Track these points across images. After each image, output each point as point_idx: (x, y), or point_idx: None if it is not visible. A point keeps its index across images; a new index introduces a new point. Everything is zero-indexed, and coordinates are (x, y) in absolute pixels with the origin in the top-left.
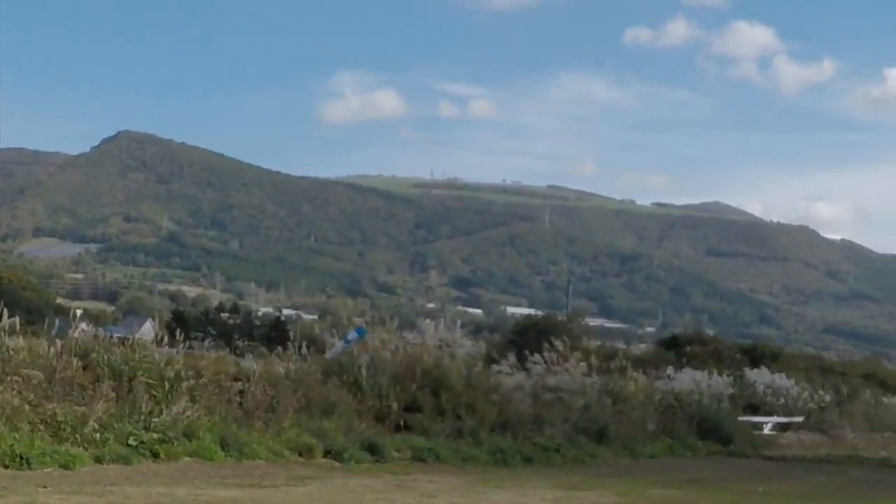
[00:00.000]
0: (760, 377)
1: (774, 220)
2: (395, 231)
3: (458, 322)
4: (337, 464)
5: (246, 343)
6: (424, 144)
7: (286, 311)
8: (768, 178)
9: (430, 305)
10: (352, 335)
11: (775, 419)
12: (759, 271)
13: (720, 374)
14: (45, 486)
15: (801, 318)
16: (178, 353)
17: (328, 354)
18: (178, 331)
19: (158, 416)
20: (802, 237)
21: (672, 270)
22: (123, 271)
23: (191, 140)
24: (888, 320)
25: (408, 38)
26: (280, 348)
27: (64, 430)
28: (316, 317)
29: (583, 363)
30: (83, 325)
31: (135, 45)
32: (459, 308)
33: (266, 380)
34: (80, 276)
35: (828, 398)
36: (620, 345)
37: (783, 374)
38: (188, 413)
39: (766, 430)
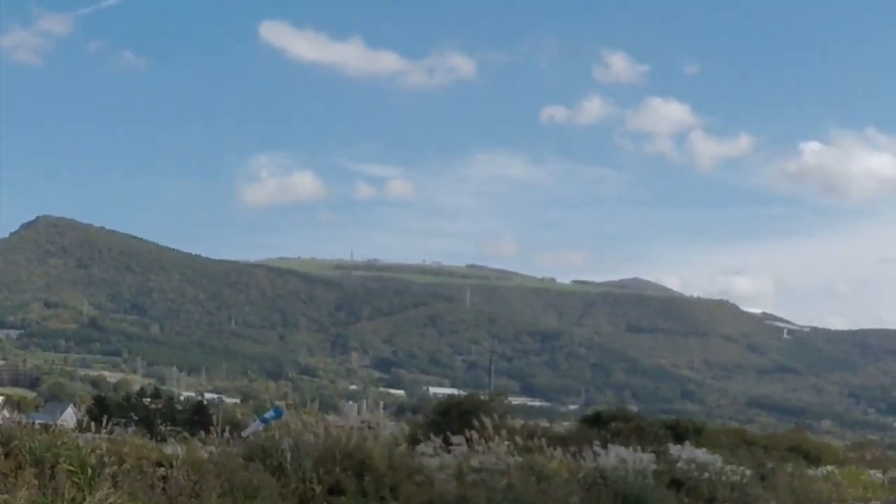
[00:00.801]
0: (684, 452)
1: (694, 294)
2: (316, 313)
3: (381, 403)
4: None
5: (168, 428)
6: (343, 226)
7: (208, 395)
8: (687, 253)
9: (353, 387)
10: (269, 414)
11: None
12: (679, 346)
13: (644, 450)
14: None
15: (724, 393)
16: (100, 438)
17: (245, 433)
18: (101, 416)
19: (81, 503)
20: (722, 311)
21: (593, 347)
22: (44, 357)
23: (110, 224)
24: (811, 392)
25: (324, 119)
26: (203, 433)
27: None
28: (238, 401)
29: (506, 442)
30: (5, 412)
31: (52, 129)
32: (382, 389)
33: (189, 465)
34: (0, 362)
35: (751, 472)
36: (544, 423)
37: (706, 449)
38: (111, 499)
39: None
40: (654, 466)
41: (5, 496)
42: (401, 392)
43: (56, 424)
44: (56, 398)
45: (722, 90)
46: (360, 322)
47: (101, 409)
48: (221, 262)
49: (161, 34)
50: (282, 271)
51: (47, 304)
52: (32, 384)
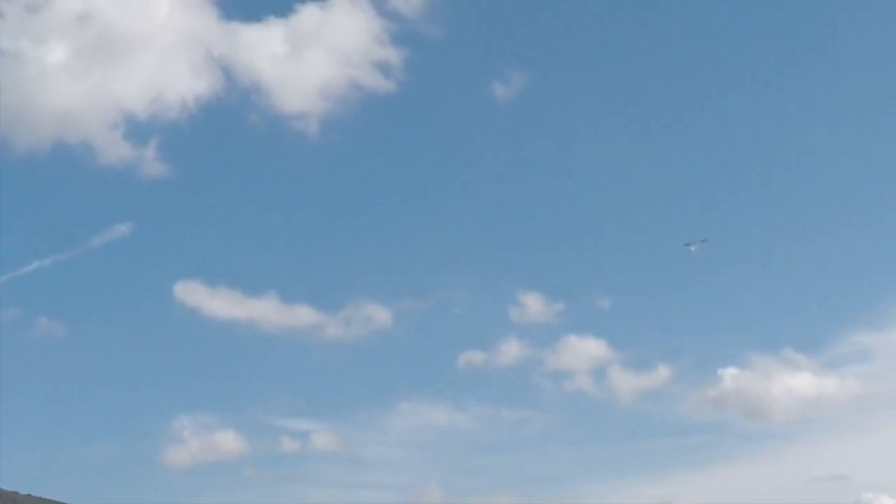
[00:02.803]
0: None
1: None
2: None
3: None
4: None
5: None
6: (269, 482)
7: None
8: (615, 488)
9: None
10: None
11: None
12: None
13: None
14: None
15: None
16: None
17: None
18: None
19: None
20: None
21: None
22: None
23: (36, 491)
24: None
25: (244, 375)
26: None
27: None
28: None
29: None
30: None
31: None
32: None
33: None
34: None
35: None
36: None
37: None
38: None
39: None
40: None
41: None
42: None
43: None
44: None
45: (635, 323)
46: None
47: None
48: None
49: (76, 299)
50: None
51: None
52: None
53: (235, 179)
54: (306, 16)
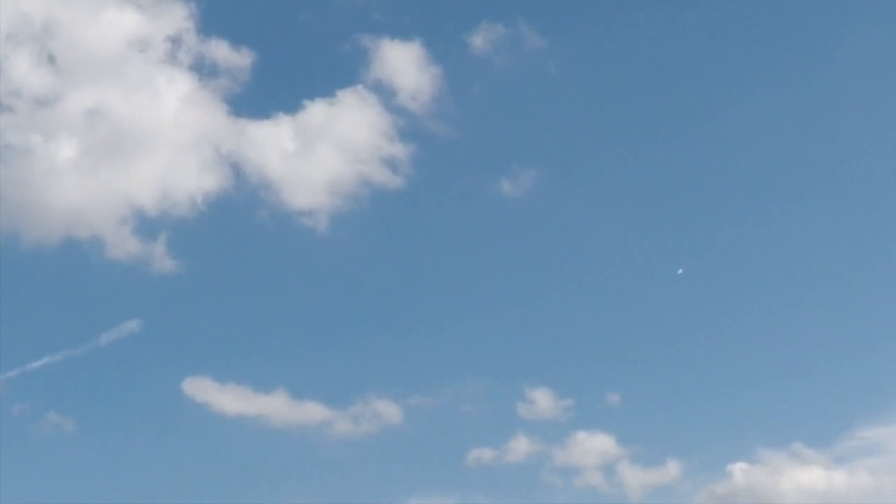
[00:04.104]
0: None
1: None
2: None
3: None
4: None
5: None
6: None
7: None
8: None
9: None
10: None
11: None
12: None
13: None
14: None
15: None
16: None
17: None
18: None
19: None
20: None
21: None
22: None
23: None
24: None
25: (252, 470)
26: None
27: None
28: None
29: None
30: None
31: None
32: None
33: None
34: None
35: None
36: None
37: None
38: None
39: None
40: None
41: None
42: None
43: None
44: None
45: (645, 419)
46: None
47: None
48: None
49: (85, 394)
50: None
51: None
52: None
53: (244, 275)
54: (314, 112)
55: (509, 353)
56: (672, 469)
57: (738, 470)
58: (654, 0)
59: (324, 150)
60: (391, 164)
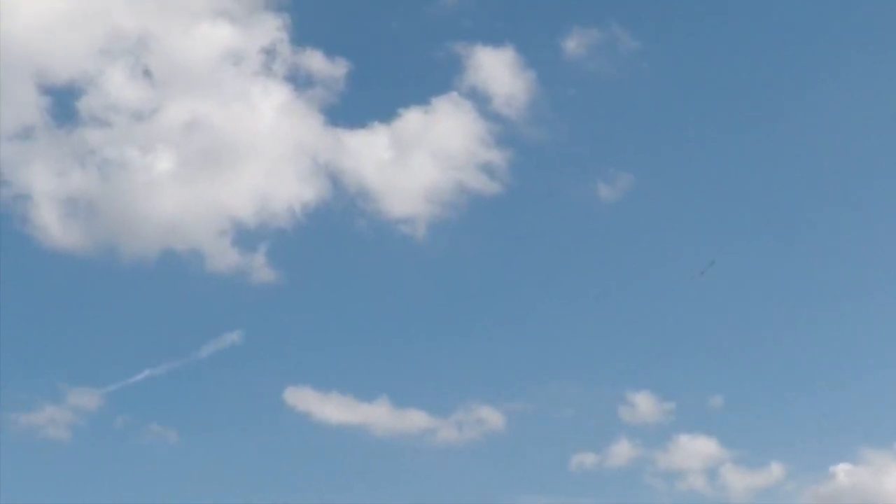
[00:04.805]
0: None
1: None
2: None
3: None
4: None
5: None
6: None
7: None
8: None
9: None
10: None
11: None
12: None
13: None
14: None
15: None
16: None
17: None
18: None
19: None
20: None
21: None
22: None
23: None
24: None
25: (353, 478)
26: None
27: None
28: None
29: None
30: None
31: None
32: None
33: None
34: None
35: None
36: None
37: None
38: None
39: None
40: None
41: None
42: None
43: None
44: None
45: (747, 421)
46: None
47: None
48: None
49: (187, 406)
50: None
51: None
52: None
53: (344, 284)
54: (410, 120)
55: (610, 357)
56: (775, 471)
57: (842, 471)
58: (750, 0)
59: (420, 158)
60: (488, 170)
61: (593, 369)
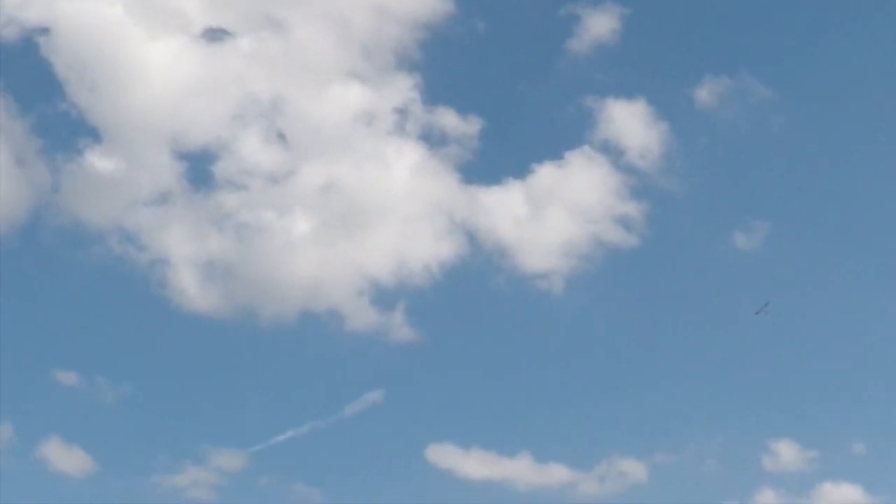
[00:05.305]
0: None
1: None
2: None
3: None
4: None
5: None
6: None
7: None
8: None
9: None
10: None
11: None
12: None
13: None
14: None
15: None
16: None
17: None
18: None
19: None
20: None
21: None
22: None
23: None
24: None
25: None
26: None
27: None
28: None
29: None
30: None
31: None
32: None
33: None
34: None
35: None
36: None
37: None
38: None
39: None
40: None
41: None
42: None
43: None
44: None
45: (892, 467)
46: None
47: None
48: None
49: (330, 464)
50: None
51: None
52: None
53: (483, 341)
54: (544, 175)
55: (751, 406)
56: None
57: None
58: (881, 46)
59: (555, 213)
60: (624, 222)
61: (734, 419)
